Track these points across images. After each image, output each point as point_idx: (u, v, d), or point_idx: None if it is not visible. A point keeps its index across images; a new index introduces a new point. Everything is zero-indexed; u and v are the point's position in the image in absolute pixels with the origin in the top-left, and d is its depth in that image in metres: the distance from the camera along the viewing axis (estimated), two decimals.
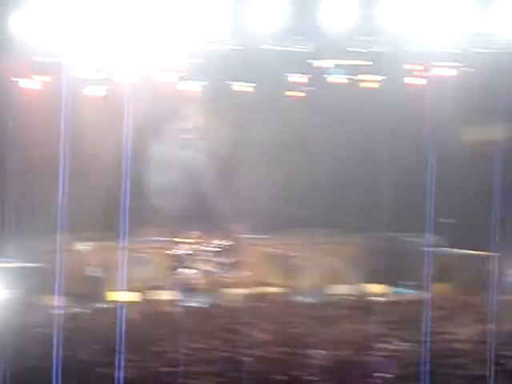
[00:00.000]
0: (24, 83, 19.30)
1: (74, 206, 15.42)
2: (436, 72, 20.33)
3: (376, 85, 20.84)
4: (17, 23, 16.97)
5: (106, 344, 12.72)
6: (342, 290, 19.08)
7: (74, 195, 14.80)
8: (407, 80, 20.53)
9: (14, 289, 16.69)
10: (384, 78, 20.71)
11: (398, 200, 19.81)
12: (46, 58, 18.32)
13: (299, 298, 18.10)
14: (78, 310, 16.61)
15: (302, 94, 21.18)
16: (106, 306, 17.60)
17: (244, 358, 11.68)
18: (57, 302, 17.34)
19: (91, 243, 20.13)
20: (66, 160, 13.48)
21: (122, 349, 12.10)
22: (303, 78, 20.72)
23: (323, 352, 12.11)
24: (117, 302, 17.84)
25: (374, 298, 17.61)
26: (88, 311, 16.51)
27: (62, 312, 15.66)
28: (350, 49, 19.67)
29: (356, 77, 20.69)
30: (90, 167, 19.91)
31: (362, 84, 20.79)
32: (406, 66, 20.27)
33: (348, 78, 20.65)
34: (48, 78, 18.96)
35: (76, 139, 14.76)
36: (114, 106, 20.18)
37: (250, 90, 20.98)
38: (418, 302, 16.45)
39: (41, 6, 16.41)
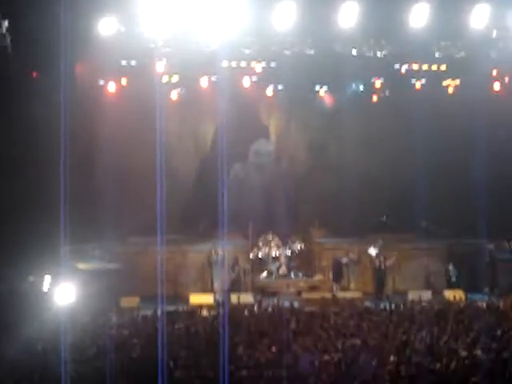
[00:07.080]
0: (109, 86, 19.68)
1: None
2: None
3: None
4: (103, 26, 17.23)
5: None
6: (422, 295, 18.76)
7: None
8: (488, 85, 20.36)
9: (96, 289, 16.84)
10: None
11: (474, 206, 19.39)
12: (132, 60, 18.59)
13: (376, 304, 17.91)
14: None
15: (381, 98, 21.19)
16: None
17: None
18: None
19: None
20: (162, 163, 13.54)
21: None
22: (383, 82, 20.73)
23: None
24: (195, 304, 18.03)
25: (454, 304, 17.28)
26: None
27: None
28: (431, 53, 19.49)
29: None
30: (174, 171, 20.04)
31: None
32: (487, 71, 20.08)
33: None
34: (134, 81, 19.20)
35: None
36: (196, 111, 20.54)
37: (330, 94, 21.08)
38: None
39: (127, 9, 16.58)
